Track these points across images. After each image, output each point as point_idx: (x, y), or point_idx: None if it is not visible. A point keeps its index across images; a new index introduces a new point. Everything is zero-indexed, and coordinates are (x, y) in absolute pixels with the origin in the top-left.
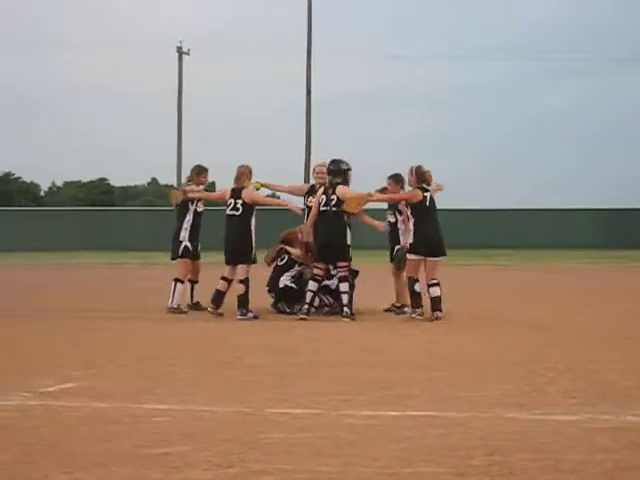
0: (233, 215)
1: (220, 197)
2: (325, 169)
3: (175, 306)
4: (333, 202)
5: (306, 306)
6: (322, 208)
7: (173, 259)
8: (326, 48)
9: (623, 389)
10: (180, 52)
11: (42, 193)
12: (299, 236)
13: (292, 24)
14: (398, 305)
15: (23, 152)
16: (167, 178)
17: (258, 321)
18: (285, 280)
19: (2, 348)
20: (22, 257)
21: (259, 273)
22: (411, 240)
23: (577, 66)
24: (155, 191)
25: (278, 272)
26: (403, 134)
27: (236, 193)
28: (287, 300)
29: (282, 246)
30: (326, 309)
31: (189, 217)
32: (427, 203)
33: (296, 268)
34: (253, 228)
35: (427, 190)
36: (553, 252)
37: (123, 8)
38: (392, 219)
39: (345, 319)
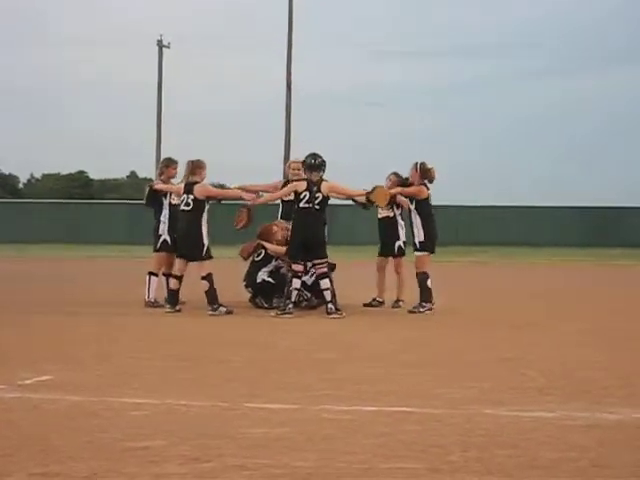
0: (184, 210)
1: (179, 191)
2: (300, 165)
3: (152, 300)
4: (318, 200)
5: (291, 305)
6: (303, 205)
7: (155, 252)
8: (310, 43)
9: (602, 388)
10: (160, 45)
11: (20, 185)
12: (274, 228)
13: (275, 18)
14: (395, 299)
15: (1, 144)
16: (146, 171)
17: (237, 316)
18: (262, 275)
19: None
20: (0, 249)
21: (237, 267)
22: (421, 238)
23: (572, 64)
24: (134, 184)
25: (255, 267)
26: (392, 131)
27: (188, 188)
28: (265, 295)
29: (259, 241)
30: (304, 304)
31: (165, 211)
32: (430, 200)
33: (273, 263)
34: (204, 224)
35: (428, 187)
36: (538, 250)
37: (102, 0)
38: (390, 213)
39: (332, 316)
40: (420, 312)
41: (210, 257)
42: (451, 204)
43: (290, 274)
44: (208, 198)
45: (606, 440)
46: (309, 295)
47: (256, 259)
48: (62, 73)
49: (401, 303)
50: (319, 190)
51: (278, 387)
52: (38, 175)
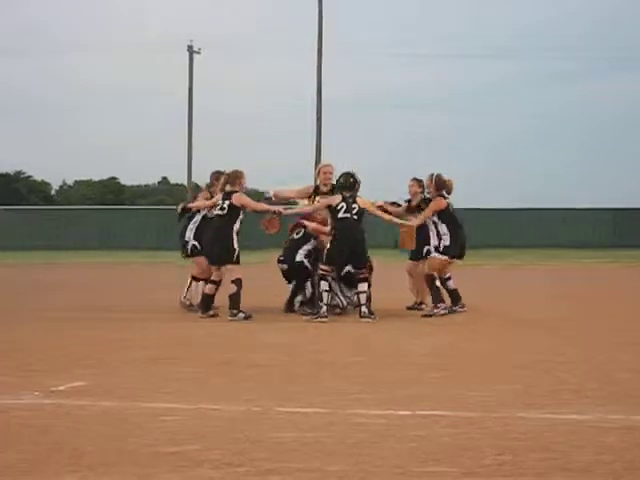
0: (218, 215)
1: (212, 204)
2: (330, 169)
3: (187, 302)
4: (355, 210)
5: (324, 307)
6: (342, 215)
7: (185, 257)
8: (337, 48)
9: (635, 389)
10: (191, 51)
11: (53, 192)
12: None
13: (303, 24)
14: (418, 302)
15: (34, 151)
16: (178, 177)
17: (268, 320)
18: (300, 255)
19: (13, 347)
20: (33, 256)
21: (264, 273)
22: (447, 243)
23: (582, 66)
24: (166, 190)
25: (294, 244)
26: (411, 134)
27: (226, 195)
28: (298, 279)
29: (300, 221)
30: (338, 310)
31: (197, 218)
32: (451, 209)
33: (312, 242)
34: (236, 231)
35: (447, 198)
36: (561, 252)
37: (134, 8)
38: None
39: (365, 319)
40: (435, 314)
41: (237, 262)
42: (477, 207)
43: (317, 277)
44: (242, 207)
45: None
46: (345, 304)
47: (295, 237)
48: (93, 80)
49: (423, 306)
50: (355, 202)
51: (310, 391)
52: (70, 182)
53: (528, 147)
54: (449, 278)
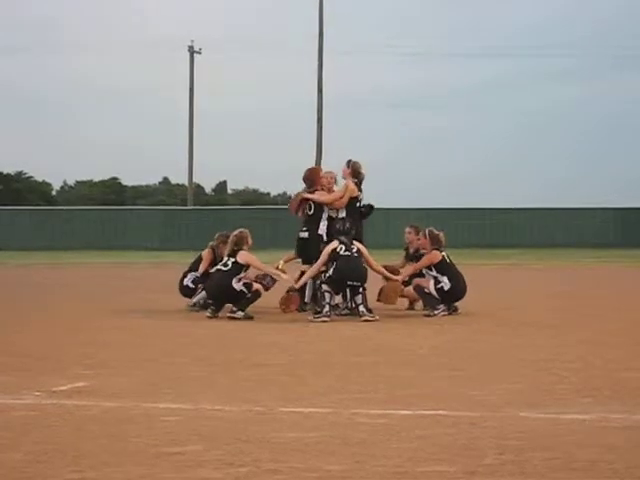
0: (219, 270)
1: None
2: (331, 178)
3: (192, 303)
4: (355, 249)
5: (327, 307)
6: (344, 253)
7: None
8: (338, 47)
9: (635, 388)
10: (192, 51)
11: (54, 192)
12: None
13: (303, 23)
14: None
15: (35, 151)
16: (179, 177)
17: (269, 320)
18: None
19: (15, 348)
20: (34, 256)
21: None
22: (447, 288)
23: (580, 65)
24: (167, 190)
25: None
26: (413, 133)
27: (232, 253)
28: (305, 251)
29: (302, 194)
30: (345, 311)
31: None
32: (447, 259)
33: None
34: (236, 281)
35: (440, 250)
36: (561, 251)
37: (133, 7)
38: (406, 278)
39: (364, 318)
40: (436, 315)
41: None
42: (478, 207)
43: (318, 281)
44: (247, 265)
45: None
46: (351, 305)
47: (309, 213)
48: (94, 80)
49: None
50: (352, 244)
51: (312, 391)
52: (71, 182)
53: (525, 146)
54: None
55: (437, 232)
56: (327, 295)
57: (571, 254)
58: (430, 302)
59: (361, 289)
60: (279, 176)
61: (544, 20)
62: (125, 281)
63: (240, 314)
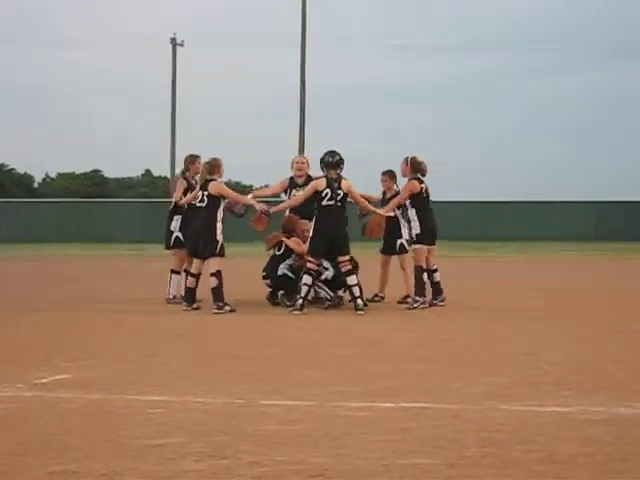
0: (199, 207)
1: (195, 196)
2: (304, 160)
3: (171, 297)
4: (340, 197)
5: (301, 300)
6: (326, 203)
7: (167, 249)
8: (321, 38)
9: (617, 381)
10: (174, 43)
11: (36, 184)
12: (300, 225)
13: (287, 14)
14: (406, 295)
15: (16, 143)
16: (161, 170)
17: (252, 312)
18: (283, 269)
19: None
20: (16, 249)
21: (253, 264)
22: (418, 230)
23: (574, 58)
24: (149, 183)
25: (276, 260)
26: (396, 126)
27: (203, 185)
28: (284, 288)
29: (280, 236)
30: (327, 303)
31: (182, 210)
32: (424, 194)
33: (293, 257)
34: (219, 221)
35: (422, 181)
36: (545, 244)
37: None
38: (391, 213)
39: (360, 312)
40: (414, 308)
41: (222, 255)
42: (464, 200)
43: (303, 270)
44: (220, 195)
45: (623, 434)
46: (332, 294)
47: (277, 253)
48: (77, 73)
49: (409, 300)
50: (340, 187)
51: (294, 384)
52: (53, 174)
53: (518, 139)
54: (436, 270)
55: (420, 160)
56: (304, 288)
57: (551, 247)
58: (419, 290)
59: (356, 278)
60: (261, 169)
61: (530, 13)
62: (106, 273)
63: (227, 309)
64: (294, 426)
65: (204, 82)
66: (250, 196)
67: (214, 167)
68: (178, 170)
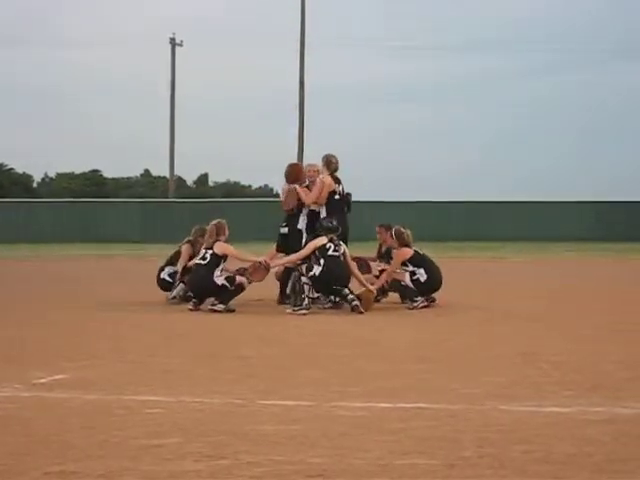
0: (199, 264)
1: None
2: (317, 171)
3: (171, 297)
4: (342, 251)
5: (307, 300)
6: (332, 253)
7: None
8: (320, 38)
9: (616, 381)
10: (173, 44)
11: (35, 184)
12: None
13: (286, 14)
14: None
15: (16, 143)
16: (160, 170)
17: (252, 313)
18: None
19: None
20: (14, 249)
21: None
22: (423, 280)
23: (574, 58)
24: (148, 182)
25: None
26: (396, 126)
27: (210, 244)
28: (285, 246)
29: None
30: (328, 304)
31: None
32: (419, 253)
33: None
34: (218, 270)
35: (409, 246)
36: (545, 244)
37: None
38: (384, 283)
39: (357, 311)
40: (416, 307)
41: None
42: (464, 200)
43: (296, 273)
44: (224, 255)
45: (622, 435)
46: (314, 297)
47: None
48: (77, 73)
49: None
50: (339, 245)
51: (292, 384)
52: (52, 174)
53: (518, 139)
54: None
55: (403, 231)
56: (306, 287)
57: (551, 247)
58: (409, 294)
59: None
60: (261, 169)
61: (530, 13)
62: (105, 273)
63: (221, 307)
64: (293, 426)
65: (203, 82)
66: (266, 258)
67: (220, 229)
68: (177, 170)
